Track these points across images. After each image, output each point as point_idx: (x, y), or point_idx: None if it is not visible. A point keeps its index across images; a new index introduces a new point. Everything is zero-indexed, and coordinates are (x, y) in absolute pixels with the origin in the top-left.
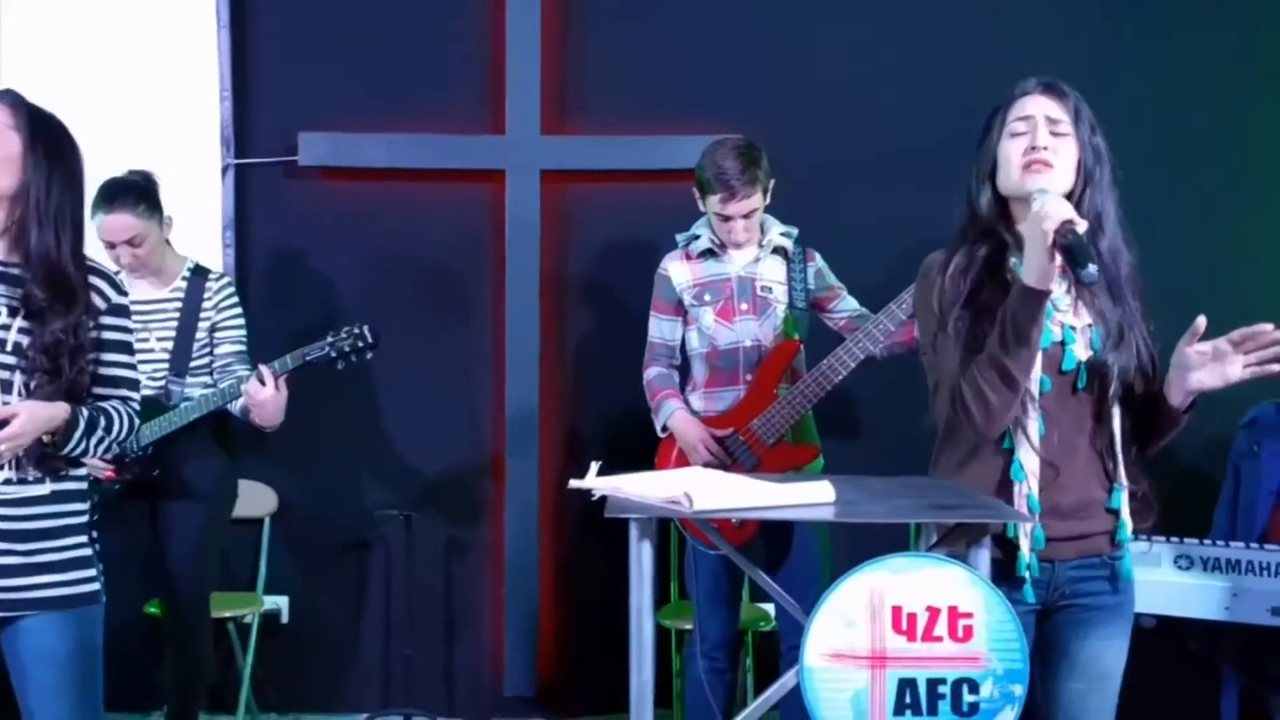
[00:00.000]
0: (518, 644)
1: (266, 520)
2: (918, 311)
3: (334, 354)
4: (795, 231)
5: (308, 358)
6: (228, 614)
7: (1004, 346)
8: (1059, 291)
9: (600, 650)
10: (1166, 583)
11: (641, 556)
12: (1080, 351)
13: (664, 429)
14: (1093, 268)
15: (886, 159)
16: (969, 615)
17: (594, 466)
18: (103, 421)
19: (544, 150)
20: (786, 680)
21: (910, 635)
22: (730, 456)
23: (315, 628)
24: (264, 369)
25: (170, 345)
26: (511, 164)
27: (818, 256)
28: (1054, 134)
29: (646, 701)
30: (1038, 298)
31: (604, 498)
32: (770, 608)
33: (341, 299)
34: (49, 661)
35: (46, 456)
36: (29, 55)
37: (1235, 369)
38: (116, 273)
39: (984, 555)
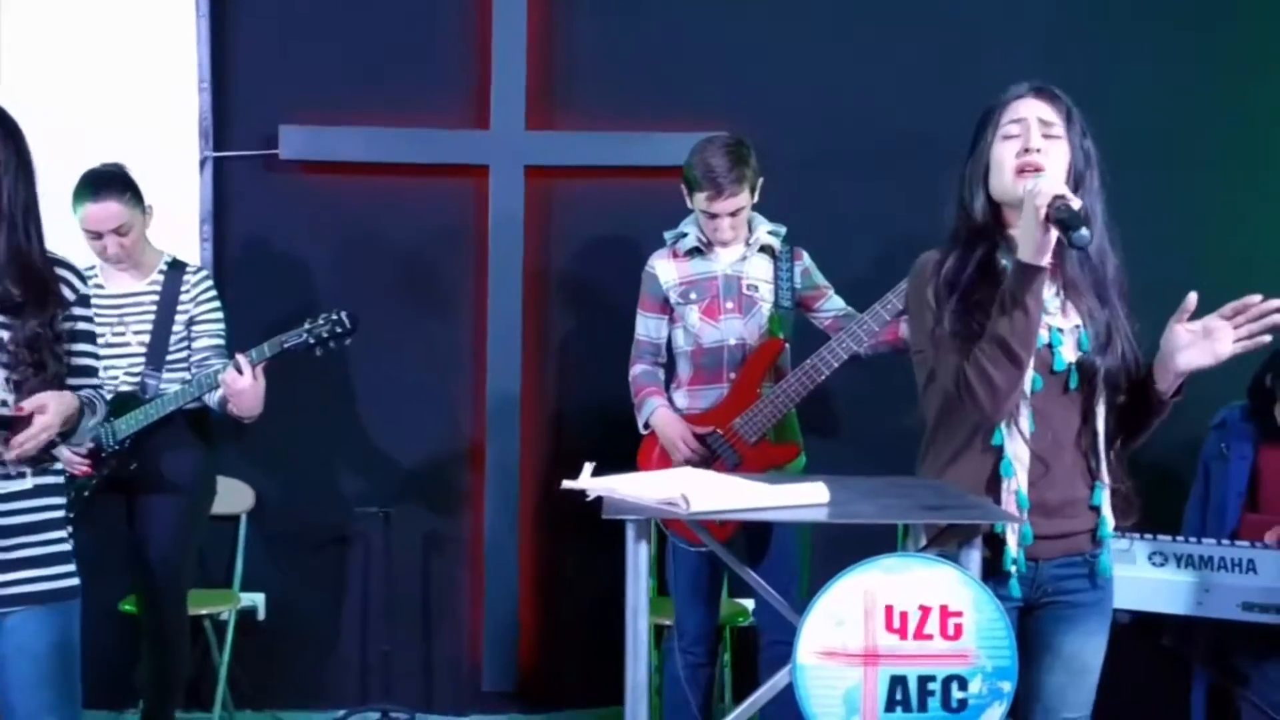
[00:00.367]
0: (497, 638)
1: (243, 517)
2: (911, 310)
3: (312, 340)
4: (783, 230)
5: (285, 345)
6: (204, 611)
7: (1004, 321)
8: (1048, 294)
9: (580, 644)
10: (1141, 579)
11: (638, 557)
12: (1068, 353)
13: (646, 426)
14: (1085, 231)
15: (872, 156)
16: (959, 614)
17: (588, 467)
18: (96, 408)
19: (528, 145)
20: (779, 679)
21: (902, 633)
22: (712, 454)
23: (292, 624)
24: (241, 358)
25: (147, 339)
26: (495, 159)
27: (805, 255)
28: (1046, 136)
29: (642, 699)
30: (1034, 273)
31: (598, 499)
32: (749, 603)
33: (321, 293)
34: (30, 657)
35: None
36: (9, 48)
37: (1225, 344)
38: (90, 267)
39: (975, 555)
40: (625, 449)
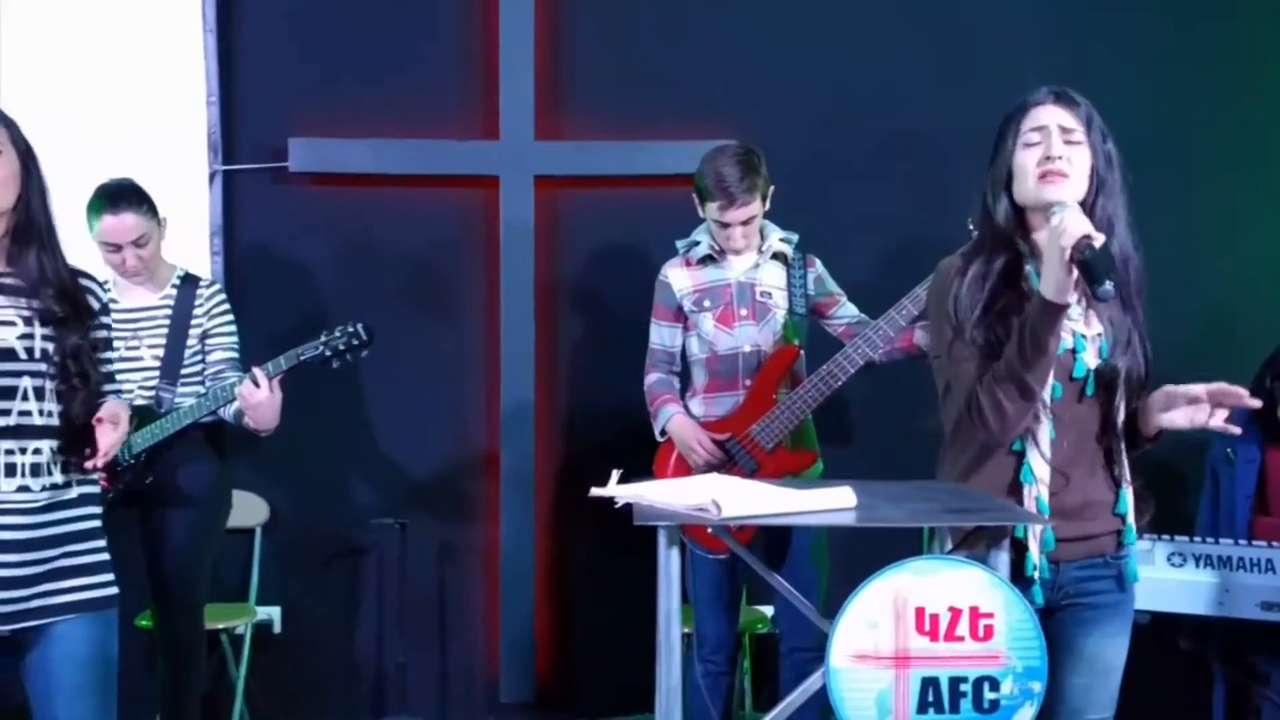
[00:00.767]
0: (514, 649)
1: (258, 530)
2: (931, 316)
3: (328, 353)
4: (795, 237)
5: (302, 358)
6: (220, 625)
7: (1021, 357)
8: (1070, 299)
9: (597, 654)
10: (1160, 579)
11: (670, 563)
12: (1090, 360)
13: (663, 433)
14: (1109, 285)
15: (881, 162)
16: (989, 615)
17: (615, 475)
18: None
19: (537, 155)
20: (811, 683)
21: (933, 635)
22: (729, 460)
23: (308, 637)
24: (257, 371)
25: (161, 353)
26: (505, 169)
27: (818, 262)
28: (1068, 142)
29: (675, 704)
30: (1055, 311)
31: (626, 506)
32: (768, 610)
33: (333, 305)
34: (74, 664)
35: (83, 455)
36: (16, 62)
37: (1202, 417)
38: (104, 282)
39: (1003, 557)
40: (640, 457)
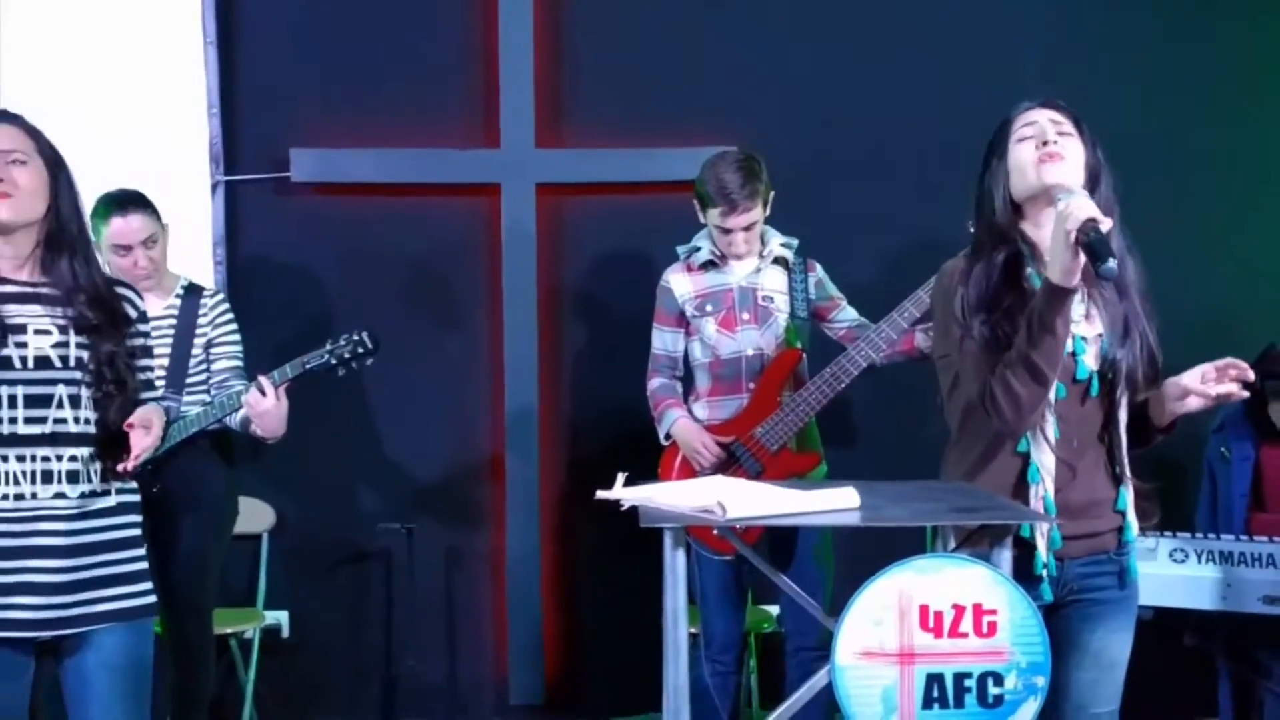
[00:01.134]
0: (522, 651)
1: (265, 535)
2: (936, 318)
3: (334, 361)
4: (795, 242)
5: (308, 366)
6: (229, 630)
7: (1031, 342)
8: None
9: (605, 655)
10: (1164, 575)
11: (676, 564)
12: (1091, 361)
13: (667, 437)
14: (1112, 263)
15: (881, 167)
16: (993, 612)
17: (620, 477)
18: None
19: (539, 163)
20: (818, 680)
21: (937, 632)
22: (734, 463)
23: (317, 641)
24: (263, 379)
25: (166, 362)
26: (506, 177)
27: (818, 267)
28: (1061, 134)
29: (683, 703)
30: (1062, 294)
31: (632, 509)
32: (774, 609)
33: (336, 314)
34: (110, 671)
35: (120, 461)
36: (19, 76)
37: (1211, 390)
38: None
39: (1006, 555)
40: (644, 461)
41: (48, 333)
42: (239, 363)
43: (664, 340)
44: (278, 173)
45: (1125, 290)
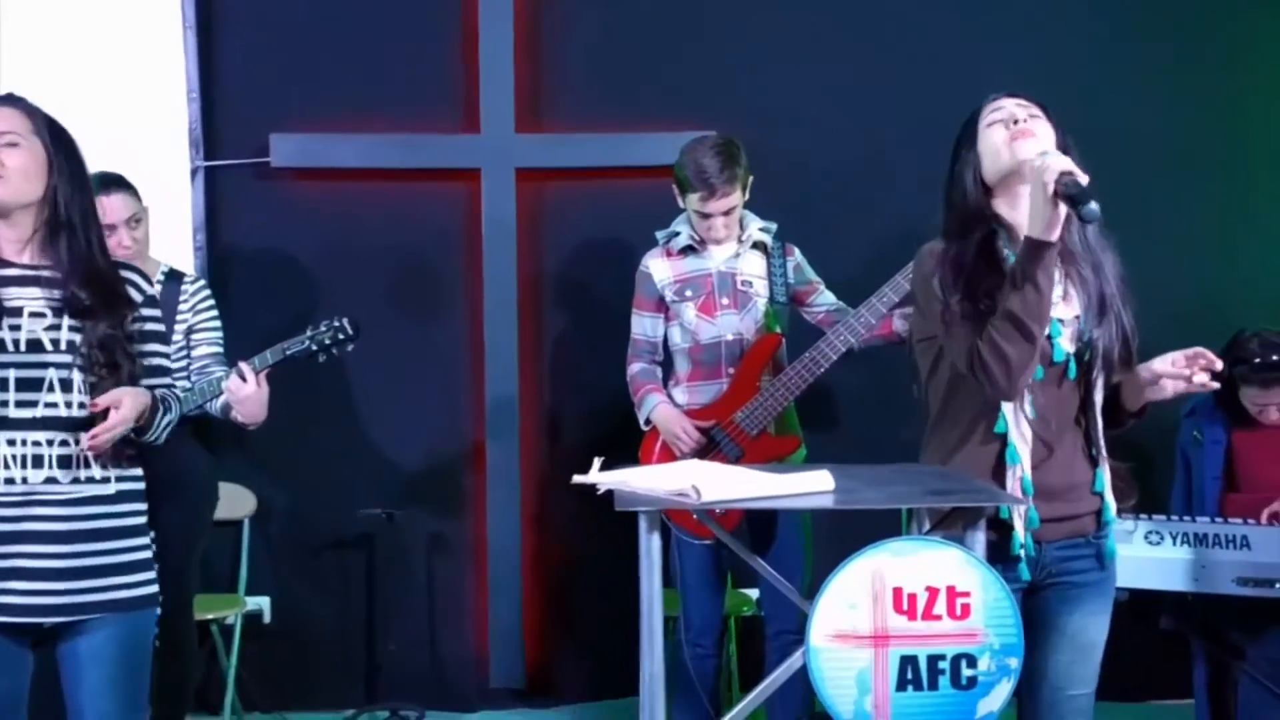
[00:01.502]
0: (503, 635)
1: (246, 521)
2: (918, 299)
3: (314, 347)
4: (774, 226)
5: (288, 352)
6: (210, 616)
7: (1020, 299)
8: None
9: (584, 639)
10: (1139, 557)
11: (651, 548)
12: (1067, 343)
13: (647, 422)
14: (1094, 205)
15: (860, 154)
16: (966, 594)
17: (597, 462)
18: (170, 406)
19: (519, 148)
20: (792, 662)
21: (911, 614)
22: (714, 447)
23: (298, 627)
24: (244, 365)
25: None
26: (486, 162)
27: (796, 251)
28: (1030, 116)
29: (658, 690)
30: (1044, 248)
31: (608, 493)
32: (754, 593)
33: (317, 299)
34: (102, 662)
35: (117, 446)
36: None
37: (1182, 383)
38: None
39: (979, 537)
40: (625, 446)
41: (42, 315)
42: (219, 349)
43: (643, 325)
44: (258, 158)
45: (1101, 269)
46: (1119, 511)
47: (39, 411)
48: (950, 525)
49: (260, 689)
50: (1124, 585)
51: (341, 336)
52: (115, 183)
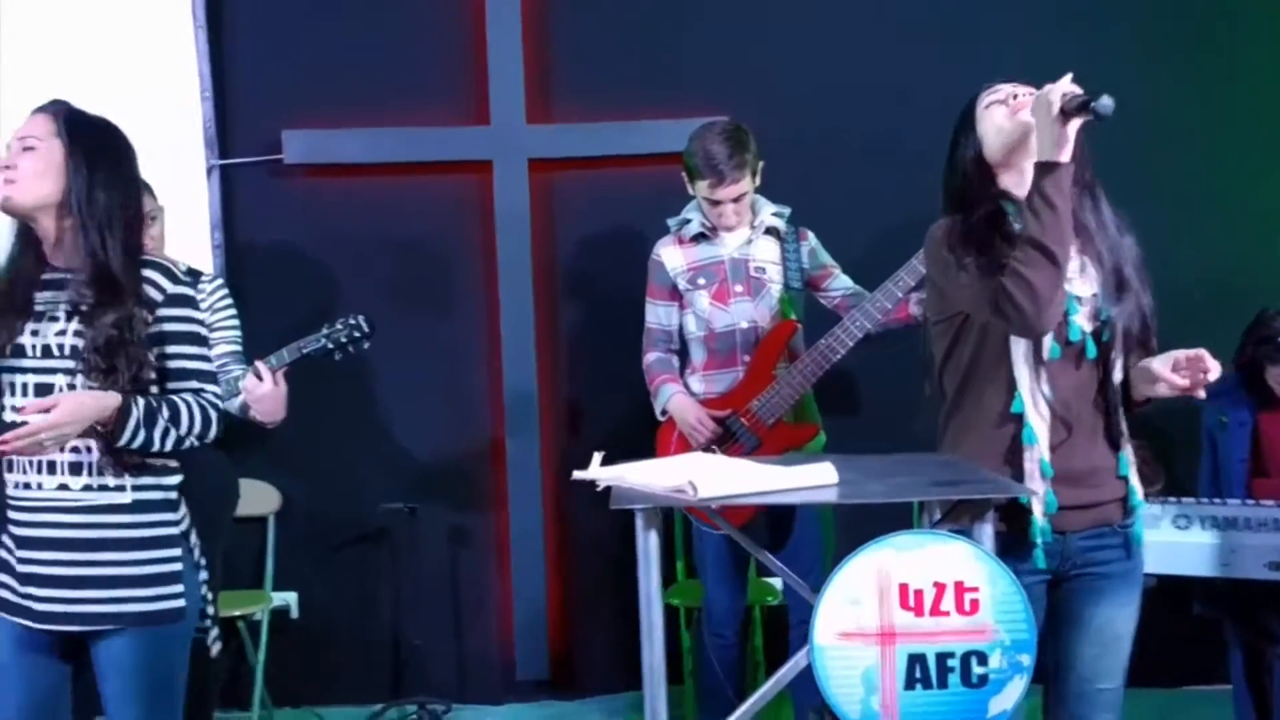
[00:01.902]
0: (527, 627)
1: (271, 518)
2: (931, 275)
3: (331, 345)
4: (787, 211)
5: (304, 350)
6: (237, 612)
7: (1038, 222)
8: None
9: (611, 629)
10: (1167, 542)
11: (648, 545)
12: (1084, 321)
13: (663, 413)
14: (1106, 98)
15: (873, 137)
16: (975, 589)
17: (596, 457)
18: (166, 412)
19: (530, 139)
20: (798, 660)
21: (918, 611)
22: (731, 437)
23: (325, 622)
24: (260, 364)
25: None
26: (498, 154)
27: (810, 235)
28: (1027, 93)
29: (659, 682)
30: (1054, 169)
31: (609, 488)
32: (777, 582)
33: (334, 294)
34: (120, 673)
35: (118, 453)
36: (10, 62)
37: (1180, 381)
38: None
39: (987, 530)
40: (643, 436)
41: (55, 319)
42: (238, 347)
43: (657, 314)
44: (271, 155)
45: (1119, 248)
46: (1145, 495)
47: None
48: (959, 517)
49: (288, 684)
50: (1152, 571)
51: (358, 334)
52: None
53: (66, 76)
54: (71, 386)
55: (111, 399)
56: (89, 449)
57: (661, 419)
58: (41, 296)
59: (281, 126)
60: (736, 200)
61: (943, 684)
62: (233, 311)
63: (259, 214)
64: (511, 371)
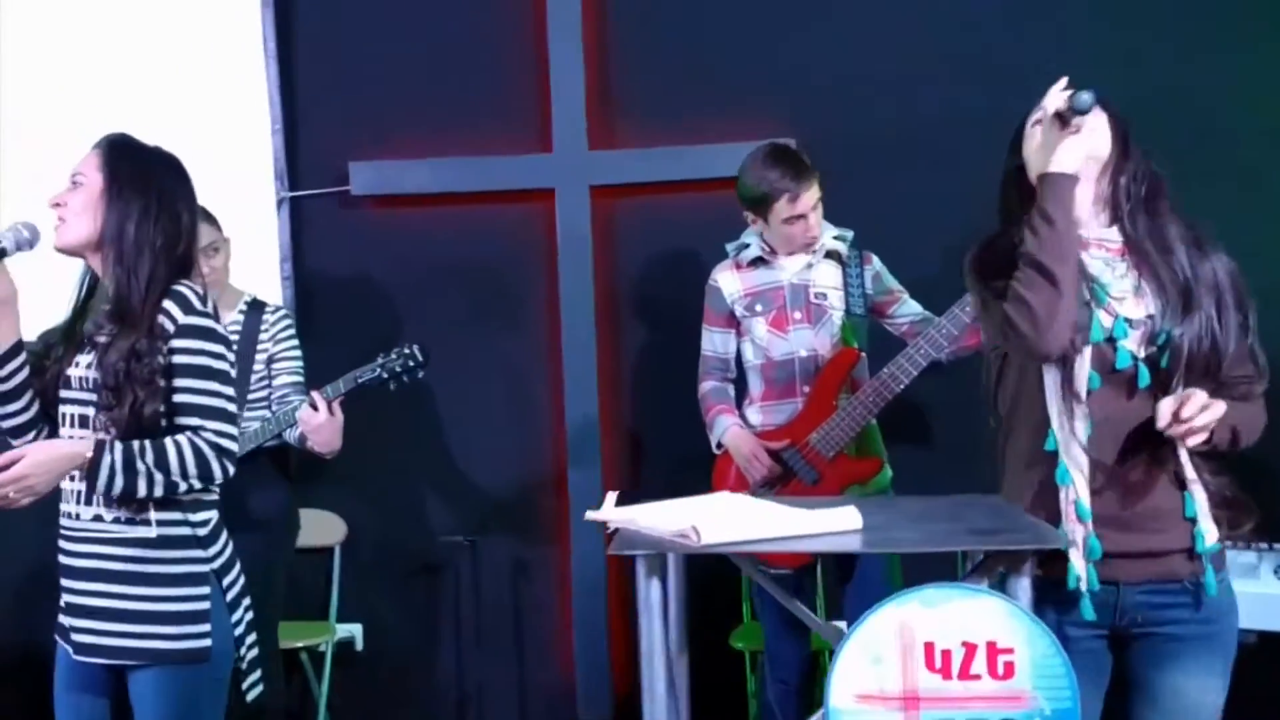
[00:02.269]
0: (589, 664)
1: (336, 548)
2: (975, 304)
3: (385, 375)
4: (850, 234)
5: (359, 380)
6: (300, 644)
7: (1033, 239)
8: (1113, 276)
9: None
10: (1268, 595)
11: (650, 595)
12: (1134, 346)
13: (719, 445)
14: (1083, 94)
15: (935, 157)
16: (1009, 650)
17: (610, 497)
18: (150, 456)
19: (592, 165)
20: None
21: (945, 673)
22: (789, 472)
23: (389, 654)
24: (316, 394)
25: None
26: (560, 181)
27: (875, 259)
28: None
29: None
30: (1053, 181)
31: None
32: (844, 626)
33: (401, 324)
34: (145, 712)
35: (108, 496)
36: (86, 101)
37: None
38: (200, 292)
39: (1024, 584)
40: (705, 466)
41: (89, 352)
42: (299, 378)
43: (713, 341)
44: (338, 187)
45: (1166, 247)
46: (1233, 539)
47: None
48: (989, 570)
49: (352, 716)
50: (1251, 626)
51: (412, 364)
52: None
53: (142, 110)
54: (83, 418)
55: (81, 447)
56: None
57: (717, 451)
58: (87, 329)
59: (348, 158)
60: (815, 207)
61: None
62: (295, 343)
63: (327, 245)
64: (573, 400)
